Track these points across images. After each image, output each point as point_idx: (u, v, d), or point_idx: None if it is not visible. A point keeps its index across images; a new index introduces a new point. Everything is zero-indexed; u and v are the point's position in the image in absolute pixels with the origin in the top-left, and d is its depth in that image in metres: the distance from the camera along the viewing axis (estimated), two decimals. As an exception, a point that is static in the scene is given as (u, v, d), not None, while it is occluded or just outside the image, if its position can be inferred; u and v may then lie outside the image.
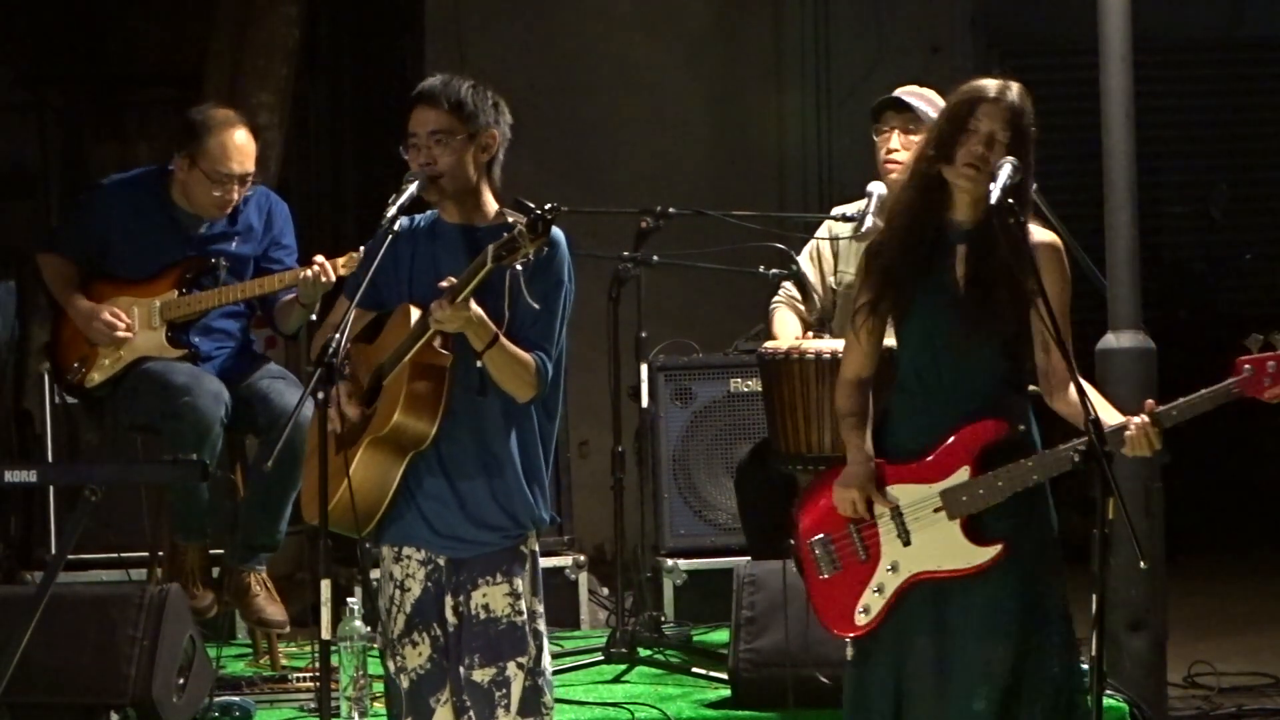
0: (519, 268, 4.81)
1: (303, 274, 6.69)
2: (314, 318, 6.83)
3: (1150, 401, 4.95)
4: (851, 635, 5.11)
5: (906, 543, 5.04)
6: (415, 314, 5.00)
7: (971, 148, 4.96)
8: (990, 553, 4.96)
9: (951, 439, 4.99)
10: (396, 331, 5.06)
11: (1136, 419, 4.92)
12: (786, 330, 6.92)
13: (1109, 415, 4.97)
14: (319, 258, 6.65)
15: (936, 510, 5.00)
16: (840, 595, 5.11)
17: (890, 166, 6.98)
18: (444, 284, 4.87)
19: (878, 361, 5.14)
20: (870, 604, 5.06)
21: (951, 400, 5.02)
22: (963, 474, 4.98)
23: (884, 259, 5.08)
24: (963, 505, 4.98)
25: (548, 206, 4.79)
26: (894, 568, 5.05)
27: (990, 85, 5.01)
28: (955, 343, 5.00)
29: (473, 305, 4.86)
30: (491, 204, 5.13)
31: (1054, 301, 4.95)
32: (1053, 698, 4.99)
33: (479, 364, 4.93)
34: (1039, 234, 5.08)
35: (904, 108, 6.96)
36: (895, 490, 5.05)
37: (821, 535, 5.15)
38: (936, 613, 5.02)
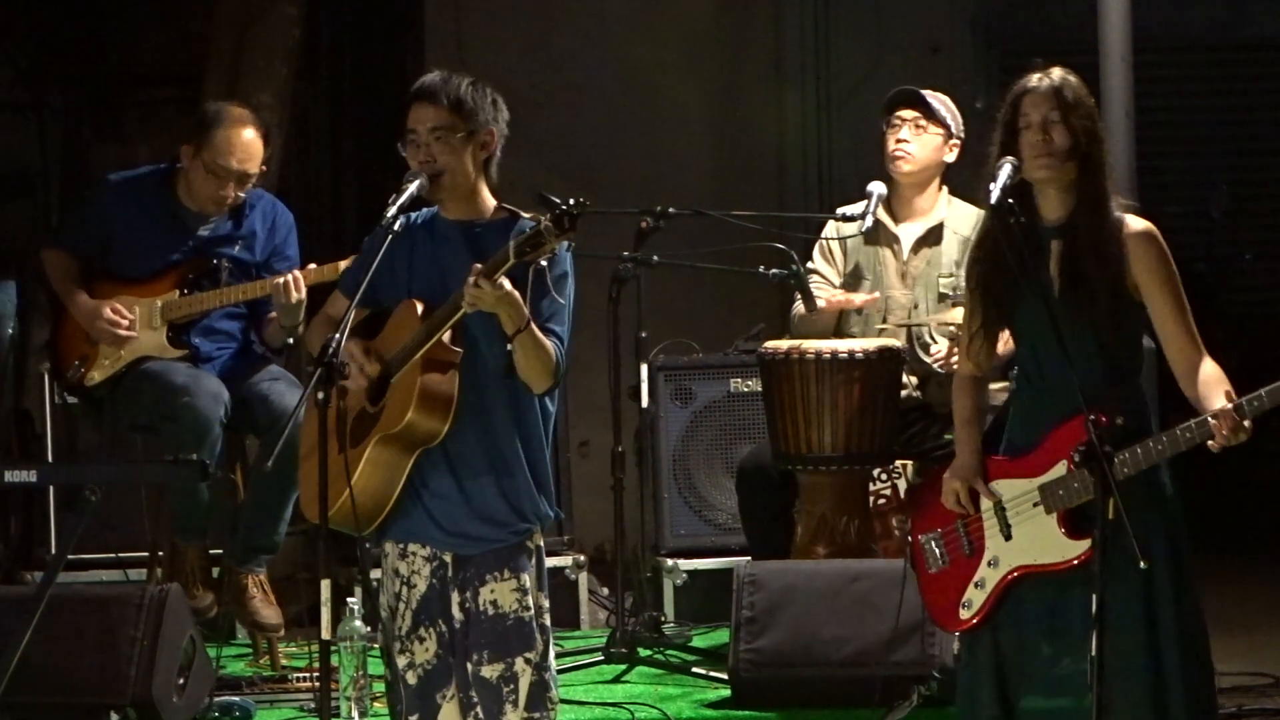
0: (544, 264, 4.80)
1: (273, 282, 6.69)
2: (290, 340, 6.85)
3: (1228, 391, 4.92)
4: (957, 630, 5.17)
5: (1008, 537, 5.06)
6: (421, 309, 5.00)
7: (1030, 140, 4.97)
8: (1083, 546, 4.92)
9: (1053, 434, 5.00)
10: (401, 328, 5.05)
11: (1220, 408, 4.88)
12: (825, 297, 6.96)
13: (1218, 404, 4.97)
14: (295, 271, 6.67)
15: (1035, 505, 5.02)
16: (947, 590, 5.15)
17: (898, 152, 6.98)
18: (476, 266, 4.84)
19: (993, 360, 5.23)
20: (973, 599, 5.08)
21: (1056, 397, 5.01)
22: (1060, 468, 4.99)
23: (983, 273, 5.12)
24: (1059, 499, 4.98)
25: (572, 202, 4.75)
26: (994, 562, 5.07)
27: (1029, 77, 5.05)
28: (1055, 340, 4.96)
29: (507, 285, 4.84)
30: (489, 200, 5.13)
31: (1158, 290, 4.99)
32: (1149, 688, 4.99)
33: (509, 347, 4.92)
34: (1133, 223, 5.06)
35: (918, 101, 6.98)
36: (999, 485, 5.07)
37: (932, 530, 5.19)
38: (1044, 608, 5.02)
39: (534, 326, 4.90)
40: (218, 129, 6.84)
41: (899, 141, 6.98)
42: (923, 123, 6.98)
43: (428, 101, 5.04)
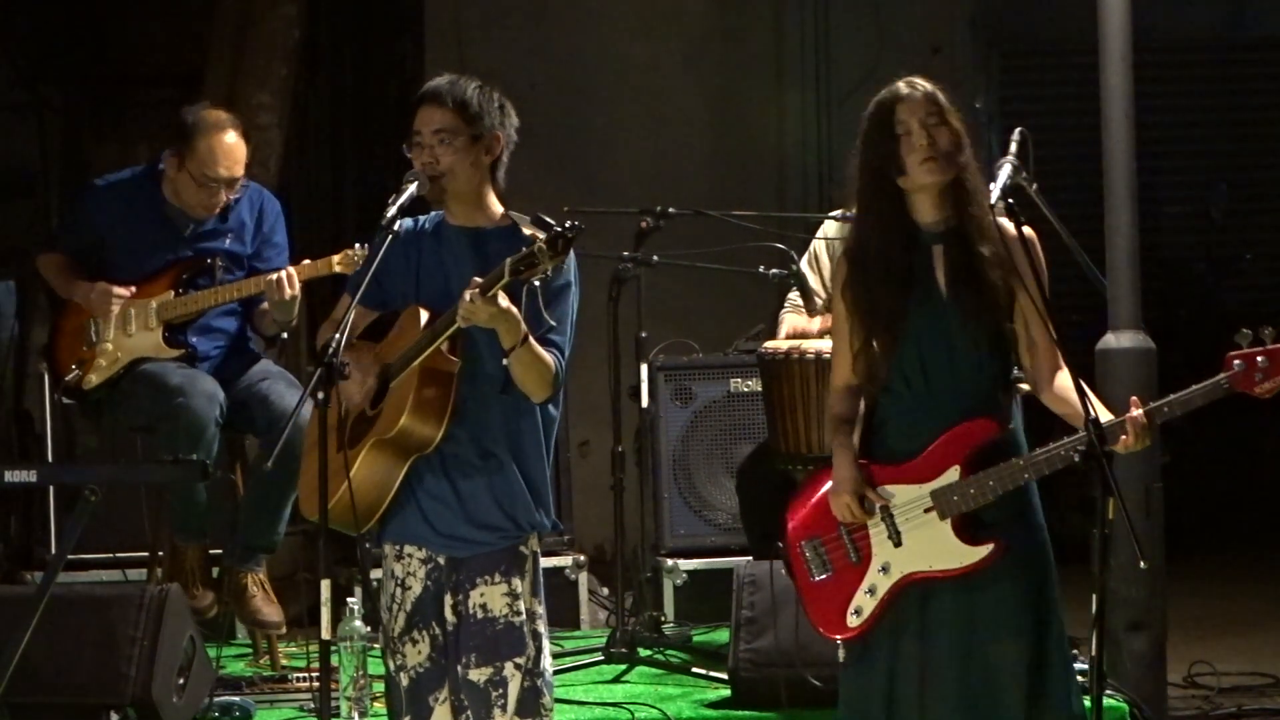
0: (536, 284, 4.80)
1: (266, 280, 6.68)
2: (284, 335, 6.85)
3: (1135, 399, 4.92)
4: (842, 638, 5.09)
5: (898, 544, 5.01)
6: (424, 316, 5.00)
7: (915, 144, 4.93)
8: (982, 552, 4.93)
9: (942, 439, 4.97)
10: (404, 333, 5.05)
11: (1131, 415, 4.89)
12: (793, 331, 6.97)
13: (1101, 413, 4.95)
14: (289, 267, 6.66)
15: (927, 510, 4.97)
16: (832, 597, 5.08)
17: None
18: (474, 280, 4.84)
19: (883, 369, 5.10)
20: (862, 605, 5.03)
21: (942, 402, 4.98)
22: (953, 474, 4.95)
23: (864, 277, 5.02)
24: (954, 505, 4.95)
25: (567, 224, 4.75)
26: (885, 569, 5.02)
27: (898, 86, 5.02)
28: (944, 344, 4.96)
29: (503, 299, 4.83)
30: (496, 206, 5.13)
31: (1037, 294, 4.94)
32: (1057, 695, 4.99)
33: (504, 362, 4.92)
34: (1007, 225, 5.03)
35: None
36: (885, 491, 5.01)
37: (811, 537, 5.12)
38: (933, 613, 4.99)
39: (531, 341, 4.91)
40: (199, 139, 6.80)
41: None
42: None
43: (433, 104, 5.05)
